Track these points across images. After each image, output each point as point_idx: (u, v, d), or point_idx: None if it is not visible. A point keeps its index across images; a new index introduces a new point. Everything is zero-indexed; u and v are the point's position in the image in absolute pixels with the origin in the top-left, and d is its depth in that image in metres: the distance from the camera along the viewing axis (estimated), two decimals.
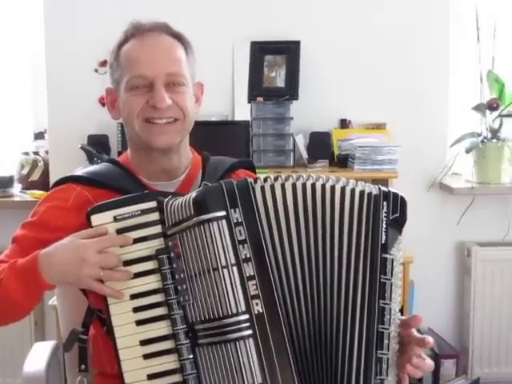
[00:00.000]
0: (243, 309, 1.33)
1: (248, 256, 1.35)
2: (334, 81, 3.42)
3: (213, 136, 3.07)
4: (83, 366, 1.62)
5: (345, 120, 3.43)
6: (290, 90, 3.37)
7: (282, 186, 1.39)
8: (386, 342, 1.40)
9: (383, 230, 1.41)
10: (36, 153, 3.59)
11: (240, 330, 1.33)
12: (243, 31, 3.41)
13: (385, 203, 1.42)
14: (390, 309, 1.41)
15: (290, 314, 1.38)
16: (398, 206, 1.44)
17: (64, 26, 3.41)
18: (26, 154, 3.58)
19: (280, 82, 3.43)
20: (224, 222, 1.35)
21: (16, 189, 3.53)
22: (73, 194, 1.69)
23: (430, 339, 1.47)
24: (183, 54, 1.71)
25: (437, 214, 3.51)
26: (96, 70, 3.23)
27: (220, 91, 3.39)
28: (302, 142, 3.33)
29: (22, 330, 3.38)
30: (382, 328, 1.40)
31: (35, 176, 3.53)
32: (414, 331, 1.49)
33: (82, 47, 3.35)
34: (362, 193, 1.41)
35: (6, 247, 1.68)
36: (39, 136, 3.68)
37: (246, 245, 1.35)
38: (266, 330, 1.34)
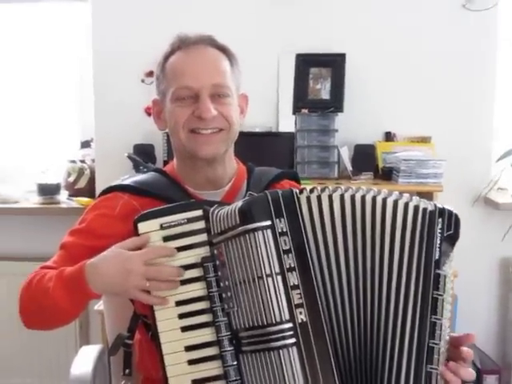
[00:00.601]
0: (287, 317, 1.33)
1: (292, 265, 1.35)
2: (379, 93, 3.41)
3: (257, 147, 3.08)
4: (127, 371, 1.64)
5: (389, 133, 3.42)
6: (335, 103, 3.37)
7: (330, 197, 1.39)
8: (435, 356, 1.39)
9: (437, 246, 1.40)
10: (82, 161, 3.64)
11: (284, 338, 1.33)
12: (288, 44, 3.42)
13: (440, 220, 1.41)
14: (441, 324, 1.41)
15: (334, 324, 1.38)
16: (453, 223, 1.43)
17: (111, 36, 3.46)
18: (73, 162, 3.64)
19: (325, 95, 3.43)
20: (269, 231, 1.36)
21: (63, 196, 3.59)
22: (120, 203, 1.72)
23: (471, 352, 1.46)
24: (228, 66, 1.73)
25: (481, 229, 3.47)
26: (142, 81, 3.27)
27: (265, 103, 3.41)
28: (346, 154, 3.33)
29: (66, 334, 3.44)
30: (433, 343, 1.39)
31: (81, 183, 3.58)
32: (462, 348, 1.48)
33: (128, 58, 3.40)
34: (416, 208, 1.40)
35: (52, 252, 1.71)
36: (85, 144, 3.73)
37: (290, 254, 1.35)
38: (310, 338, 1.34)
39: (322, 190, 1.40)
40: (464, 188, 3.44)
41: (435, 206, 1.42)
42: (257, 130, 3.33)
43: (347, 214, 1.39)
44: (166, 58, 1.74)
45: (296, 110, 3.38)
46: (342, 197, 1.39)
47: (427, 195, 3.04)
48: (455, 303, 3.28)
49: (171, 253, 1.47)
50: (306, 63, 3.43)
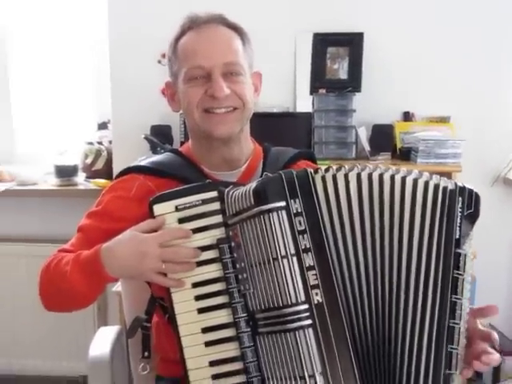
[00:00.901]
0: (303, 299, 1.33)
1: (308, 246, 1.34)
2: (398, 73, 3.37)
3: (274, 128, 3.07)
4: (146, 353, 1.65)
5: (408, 113, 3.38)
6: (353, 82, 3.34)
7: (346, 176, 1.38)
8: (456, 336, 1.39)
9: (458, 224, 1.39)
10: (100, 142, 3.64)
11: (300, 319, 1.33)
12: (306, 23, 3.38)
13: (460, 198, 1.40)
14: (462, 304, 1.40)
15: (351, 305, 1.37)
16: (473, 201, 1.42)
17: (127, 17, 3.43)
18: (90, 143, 3.64)
19: (343, 74, 3.40)
20: (284, 212, 1.35)
21: (80, 178, 3.60)
22: (136, 184, 1.72)
23: (495, 335, 1.44)
24: (240, 44, 1.72)
25: (501, 209, 3.44)
26: (159, 61, 3.25)
27: (282, 83, 3.39)
28: (364, 135, 3.30)
29: (85, 315, 3.46)
30: (453, 323, 1.39)
31: (99, 165, 3.58)
32: (479, 324, 1.46)
33: (144, 39, 3.38)
34: (436, 186, 1.39)
35: (70, 234, 1.72)
36: (103, 126, 3.73)
37: (305, 235, 1.35)
38: (326, 319, 1.33)
39: (338, 170, 1.39)
40: (483, 168, 3.41)
41: (455, 184, 1.41)
42: (274, 110, 3.31)
43: (364, 193, 1.38)
44: (177, 39, 1.73)
45: (313, 90, 3.35)
46: (358, 176, 1.38)
47: (446, 175, 2.93)
48: (474, 284, 3.25)
49: (187, 234, 1.46)
50: (323, 43, 3.39)
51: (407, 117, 3.38)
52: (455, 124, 3.32)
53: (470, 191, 1.42)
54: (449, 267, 1.39)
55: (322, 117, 3.27)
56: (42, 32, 3.79)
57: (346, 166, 1.39)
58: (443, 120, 3.35)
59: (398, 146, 3.30)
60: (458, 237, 1.40)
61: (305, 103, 3.35)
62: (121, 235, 1.51)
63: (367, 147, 3.29)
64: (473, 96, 3.37)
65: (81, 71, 3.81)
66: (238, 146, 1.76)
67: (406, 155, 3.26)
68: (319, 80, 3.38)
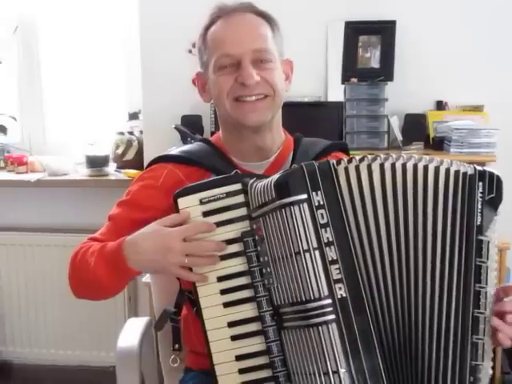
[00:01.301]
0: (326, 293, 1.31)
1: (330, 240, 1.32)
2: (431, 61, 3.32)
3: (305, 117, 3.06)
4: (177, 346, 1.65)
5: (441, 102, 3.34)
6: (385, 71, 3.30)
7: (369, 166, 1.35)
8: (481, 326, 1.36)
9: (479, 211, 1.36)
10: (131, 133, 3.65)
11: (323, 314, 1.30)
12: (337, 11, 3.34)
13: (480, 183, 1.37)
14: (486, 292, 1.37)
15: (375, 298, 1.35)
16: (494, 185, 1.38)
17: (158, 7, 3.43)
18: (121, 133, 3.65)
19: (374, 63, 3.36)
20: (305, 205, 1.32)
21: (111, 168, 3.60)
22: (164, 173, 1.73)
23: None
24: (269, 32, 1.71)
25: None
26: (189, 51, 3.25)
27: (313, 72, 3.36)
28: (396, 124, 3.26)
29: (115, 306, 3.49)
30: (478, 312, 1.36)
31: (130, 155, 3.59)
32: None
33: (175, 28, 3.37)
34: (457, 172, 1.36)
35: (101, 224, 1.74)
36: (134, 116, 3.73)
37: (328, 228, 1.32)
38: (350, 314, 1.31)
39: (361, 160, 1.36)
40: None
41: (475, 169, 1.38)
42: (305, 99, 3.30)
43: (387, 183, 1.35)
44: (206, 28, 1.73)
45: (345, 79, 3.32)
46: (381, 166, 1.35)
47: (480, 165, 2.95)
48: (508, 276, 3.21)
49: (211, 228, 1.45)
50: (355, 31, 3.36)
51: (440, 106, 3.34)
52: (489, 113, 3.27)
53: (491, 175, 1.39)
54: (471, 255, 1.36)
55: (353, 106, 3.24)
56: (74, 22, 3.80)
57: (369, 157, 1.36)
58: (477, 109, 3.29)
59: (431, 135, 3.27)
60: (479, 223, 1.36)
61: (336, 92, 3.32)
62: (144, 228, 1.51)
63: (399, 137, 3.25)
64: (507, 84, 3.31)
65: (112, 61, 3.82)
66: (271, 134, 1.75)
67: (439, 145, 3.22)
68: (351, 69, 3.34)
